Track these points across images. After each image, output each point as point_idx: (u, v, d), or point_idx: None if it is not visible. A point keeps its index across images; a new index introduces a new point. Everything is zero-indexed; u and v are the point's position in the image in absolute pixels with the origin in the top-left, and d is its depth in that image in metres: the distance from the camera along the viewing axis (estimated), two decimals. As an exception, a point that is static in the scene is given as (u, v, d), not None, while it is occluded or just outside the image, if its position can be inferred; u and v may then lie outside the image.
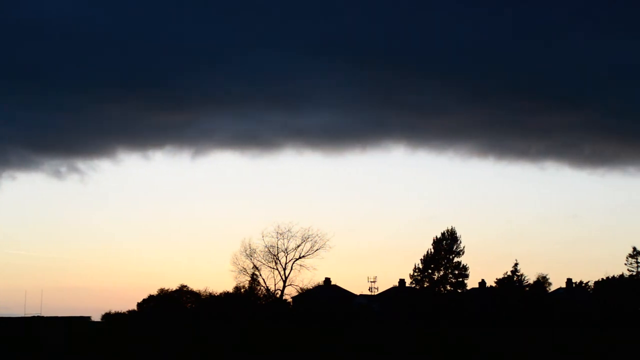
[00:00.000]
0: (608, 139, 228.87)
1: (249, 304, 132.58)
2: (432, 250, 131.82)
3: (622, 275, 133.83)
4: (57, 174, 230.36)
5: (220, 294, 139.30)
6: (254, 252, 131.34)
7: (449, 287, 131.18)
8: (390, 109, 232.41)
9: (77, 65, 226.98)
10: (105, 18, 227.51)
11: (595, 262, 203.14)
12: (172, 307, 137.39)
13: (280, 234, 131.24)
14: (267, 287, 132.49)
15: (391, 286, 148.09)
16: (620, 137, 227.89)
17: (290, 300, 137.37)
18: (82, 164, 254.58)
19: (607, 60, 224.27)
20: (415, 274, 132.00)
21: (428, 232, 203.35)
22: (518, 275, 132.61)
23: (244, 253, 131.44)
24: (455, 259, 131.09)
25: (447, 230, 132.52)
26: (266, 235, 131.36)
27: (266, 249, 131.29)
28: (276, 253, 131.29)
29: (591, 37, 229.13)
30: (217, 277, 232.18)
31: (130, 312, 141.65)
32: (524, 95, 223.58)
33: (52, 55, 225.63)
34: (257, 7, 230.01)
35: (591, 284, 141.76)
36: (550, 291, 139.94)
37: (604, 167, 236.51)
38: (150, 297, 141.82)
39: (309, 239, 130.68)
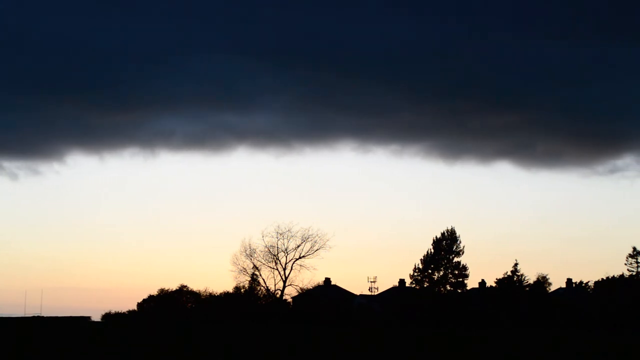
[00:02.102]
0: (562, 140, 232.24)
1: (249, 304, 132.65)
2: (432, 250, 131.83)
3: (622, 275, 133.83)
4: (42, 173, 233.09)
5: (220, 294, 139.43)
6: (254, 252, 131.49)
7: (449, 287, 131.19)
8: (337, 109, 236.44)
9: (32, 68, 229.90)
10: (59, 22, 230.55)
11: (595, 262, 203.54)
12: (172, 307, 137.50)
13: (280, 234, 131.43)
14: (267, 287, 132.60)
15: (391, 286, 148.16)
16: (577, 138, 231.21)
17: (290, 300, 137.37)
18: (68, 163, 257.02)
19: (559, 62, 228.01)
20: (415, 274, 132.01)
21: (428, 232, 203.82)
22: (518, 275, 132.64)
23: (244, 253, 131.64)
24: (455, 259, 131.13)
25: (447, 230, 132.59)
26: (266, 235, 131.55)
27: (266, 249, 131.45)
28: (276, 253, 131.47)
29: (533, 38, 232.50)
30: (217, 277, 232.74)
31: (130, 312, 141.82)
32: (471, 95, 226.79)
33: (7, 59, 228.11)
34: (210, 12, 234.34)
35: (591, 284, 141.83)
36: (550, 291, 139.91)
37: (559, 168, 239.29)
38: (150, 297, 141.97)
39: (309, 239, 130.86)
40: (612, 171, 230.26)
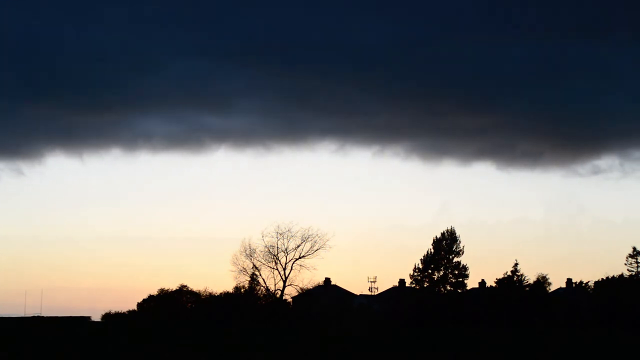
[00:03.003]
0: (541, 140, 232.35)
1: (249, 304, 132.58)
2: (432, 250, 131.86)
3: (622, 275, 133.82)
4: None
5: (220, 294, 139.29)
6: (254, 252, 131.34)
7: (449, 287, 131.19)
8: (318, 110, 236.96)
9: (13, 69, 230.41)
10: (41, 24, 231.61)
11: (595, 262, 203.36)
12: (172, 307, 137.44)
13: (280, 234, 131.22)
14: (267, 287, 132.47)
15: (391, 286, 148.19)
16: (557, 139, 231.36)
17: (290, 300, 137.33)
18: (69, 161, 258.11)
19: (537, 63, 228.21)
20: (415, 274, 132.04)
21: (428, 232, 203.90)
22: (518, 275, 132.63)
23: (244, 253, 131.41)
24: (455, 259, 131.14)
25: (447, 231, 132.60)
26: (266, 235, 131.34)
27: (266, 249, 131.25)
28: (276, 253, 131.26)
29: (514, 38, 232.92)
30: (217, 277, 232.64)
31: (130, 312, 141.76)
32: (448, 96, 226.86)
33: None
34: (189, 15, 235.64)
35: (591, 284, 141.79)
36: (550, 291, 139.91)
37: (540, 168, 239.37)
38: (150, 297, 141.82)
39: (309, 239, 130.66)
40: (595, 172, 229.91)
